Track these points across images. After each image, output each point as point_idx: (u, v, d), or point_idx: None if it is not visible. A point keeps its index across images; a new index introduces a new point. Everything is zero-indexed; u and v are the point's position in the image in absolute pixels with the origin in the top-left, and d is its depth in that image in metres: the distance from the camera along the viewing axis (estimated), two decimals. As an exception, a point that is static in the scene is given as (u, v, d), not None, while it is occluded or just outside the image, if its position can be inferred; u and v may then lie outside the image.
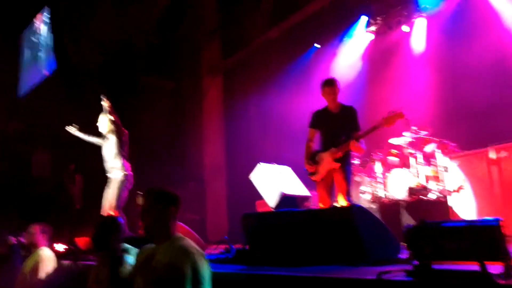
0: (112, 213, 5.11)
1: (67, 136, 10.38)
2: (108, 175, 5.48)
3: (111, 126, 5.38)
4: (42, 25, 11.35)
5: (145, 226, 2.43)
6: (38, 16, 11.43)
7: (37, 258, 4.17)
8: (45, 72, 10.85)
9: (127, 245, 3.35)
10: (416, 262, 2.27)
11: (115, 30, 10.65)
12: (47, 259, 4.17)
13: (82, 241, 5.12)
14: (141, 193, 6.98)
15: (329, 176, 4.49)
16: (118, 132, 5.38)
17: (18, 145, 10.27)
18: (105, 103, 5.30)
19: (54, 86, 10.71)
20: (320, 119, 4.62)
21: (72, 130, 5.86)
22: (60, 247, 5.22)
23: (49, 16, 10.75)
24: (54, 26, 10.56)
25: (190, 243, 2.38)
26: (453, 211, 5.05)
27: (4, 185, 9.55)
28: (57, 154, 10.52)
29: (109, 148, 5.46)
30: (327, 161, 4.44)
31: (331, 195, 4.54)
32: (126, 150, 5.53)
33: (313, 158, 4.58)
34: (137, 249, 3.38)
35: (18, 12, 11.50)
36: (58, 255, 4.63)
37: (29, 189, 9.72)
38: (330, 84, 4.58)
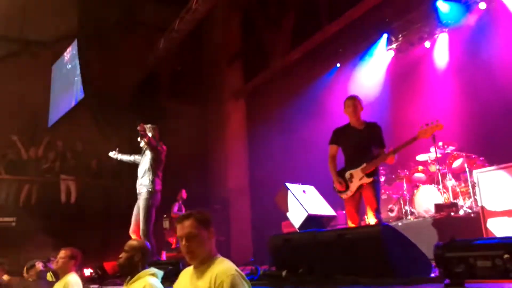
0: (136, 237, 5.15)
1: (95, 165, 10.73)
2: (138, 192, 5.49)
3: (147, 146, 5.50)
4: (70, 57, 11.78)
5: (188, 250, 2.34)
6: (68, 48, 11.87)
7: (64, 284, 4.19)
8: (73, 102, 11.20)
9: (154, 269, 3.36)
10: (447, 281, 2.20)
11: (141, 59, 10.98)
12: (74, 284, 4.16)
13: (109, 266, 5.16)
14: (167, 216, 7.05)
15: (357, 193, 4.42)
16: (154, 150, 5.45)
17: (48, 173, 10.52)
18: (138, 127, 5.41)
19: (82, 115, 11.04)
20: (342, 135, 4.55)
21: (114, 154, 5.94)
22: (88, 271, 5.26)
23: (77, 47, 11.15)
24: (82, 57, 10.93)
25: (230, 264, 2.34)
26: (486, 227, 4.89)
27: (37, 211, 9.78)
28: (83, 181, 10.75)
29: (143, 165, 5.52)
30: (358, 177, 4.35)
31: (359, 213, 4.46)
32: (161, 169, 5.56)
33: (341, 175, 4.50)
34: (162, 272, 3.41)
35: (49, 43, 12.00)
36: (86, 280, 4.67)
37: (59, 215, 9.91)
38: (349, 98, 4.56)
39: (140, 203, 5.38)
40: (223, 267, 2.28)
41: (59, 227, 9.29)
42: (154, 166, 5.45)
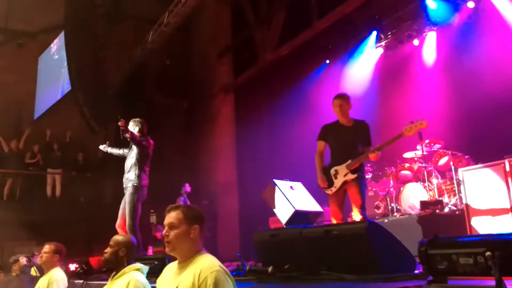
0: (123, 231, 5.10)
1: (81, 158, 10.62)
2: (124, 187, 5.44)
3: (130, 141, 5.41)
4: (57, 48, 11.62)
5: (167, 240, 2.35)
6: (55, 39, 11.70)
7: (49, 279, 4.15)
8: (60, 94, 11.06)
9: (139, 264, 3.34)
10: (430, 278, 2.22)
11: (129, 52, 10.87)
12: (59, 279, 4.11)
13: (95, 261, 5.12)
14: (154, 211, 6.99)
15: (342, 190, 4.44)
16: (138, 145, 5.38)
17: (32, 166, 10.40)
18: (119, 123, 5.30)
19: (69, 108, 10.91)
20: (331, 132, 4.58)
21: (104, 148, 5.83)
22: (73, 266, 5.22)
23: (64, 39, 10.99)
24: (69, 49, 10.78)
25: (214, 260, 2.32)
26: (470, 225, 4.95)
27: (21, 204, 9.67)
28: (69, 175, 10.64)
29: (129, 159, 5.45)
30: (343, 173, 4.39)
31: (343, 210, 4.49)
32: (147, 164, 5.49)
33: (326, 171, 4.54)
34: (148, 267, 3.39)
35: (36, 34, 11.82)
36: (71, 274, 4.63)
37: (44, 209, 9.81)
38: (336, 97, 4.58)
39: (126, 197, 5.33)
40: (207, 263, 2.27)
41: (44, 221, 9.20)
42: (140, 161, 5.38)
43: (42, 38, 11.91)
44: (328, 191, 4.50)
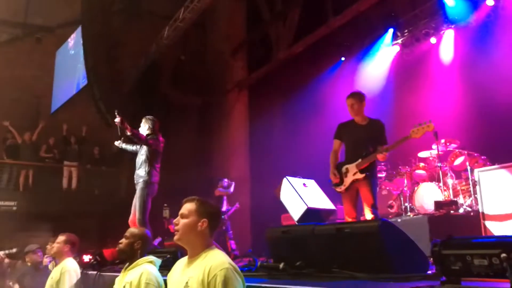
0: (134, 226, 5.13)
1: (96, 152, 10.74)
2: (135, 183, 5.45)
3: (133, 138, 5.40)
4: (74, 43, 11.75)
5: (176, 228, 2.35)
6: (72, 34, 11.83)
7: (61, 269, 4.20)
8: (76, 88, 11.19)
9: (152, 257, 3.38)
10: (444, 279, 2.19)
11: (145, 47, 10.94)
12: (71, 270, 4.17)
13: (108, 252, 5.17)
14: (167, 205, 7.02)
15: (353, 189, 4.44)
16: (142, 142, 5.38)
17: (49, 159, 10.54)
18: (116, 119, 5.19)
19: (85, 102, 11.04)
20: (346, 130, 4.58)
21: (119, 144, 5.72)
22: (87, 258, 5.28)
23: (81, 33, 11.10)
24: (85, 44, 10.89)
25: (224, 257, 2.29)
26: (485, 226, 4.88)
27: (37, 196, 9.81)
28: (85, 168, 10.77)
29: (140, 156, 5.45)
30: (352, 172, 4.40)
31: (357, 208, 4.47)
32: (158, 160, 5.49)
33: (338, 169, 4.55)
34: (160, 260, 3.42)
35: (53, 29, 11.97)
36: (84, 266, 4.69)
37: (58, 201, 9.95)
38: (349, 97, 4.57)
39: (137, 193, 5.37)
40: (217, 260, 2.24)
41: (59, 212, 9.34)
42: (151, 158, 5.39)
43: (59, 32, 12.06)
44: (338, 189, 4.53)
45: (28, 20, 11.64)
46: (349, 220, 4.41)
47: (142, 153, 5.43)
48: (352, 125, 4.54)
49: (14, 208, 9.45)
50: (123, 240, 3.37)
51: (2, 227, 8.19)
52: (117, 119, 5.16)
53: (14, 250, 5.97)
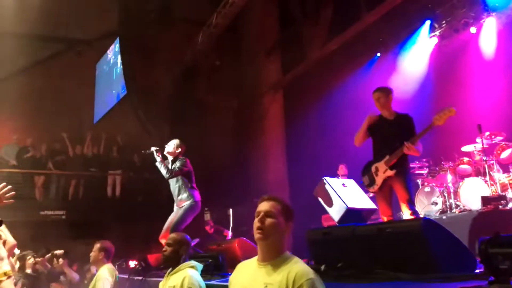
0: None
1: (138, 159, 11.02)
2: (178, 206, 5.46)
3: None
4: (113, 54, 12.13)
5: (260, 226, 2.15)
6: (111, 46, 12.23)
7: (96, 278, 4.31)
8: (116, 98, 11.55)
9: (194, 262, 3.44)
10: (492, 278, 2.11)
11: (180, 54, 11.15)
12: (103, 278, 4.25)
13: (153, 258, 5.30)
14: (208, 209, 7.06)
15: (387, 187, 4.33)
16: (172, 176, 5.42)
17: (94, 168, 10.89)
18: (154, 154, 5.43)
19: (125, 111, 11.37)
20: (374, 125, 4.49)
21: (157, 152, 5.63)
22: (132, 263, 5.43)
23: (119, 45, 11.46)
24: (123, 54, 11.23)
25: (308, 266, 2.13)
26: (537, 222, 4.66)
27: (82, 204, 10.19)
28: (128, 176, 11.05)
29: (175, 182, 5.49)
30: (382, 170, 4.30)
31: (392, 206, 4.37)
32: (193, 179, 5.53)
33: (368, 169, 4.47)
34: (202, 265, 3.47)
35: (93, 42, 12.41)
36: (130, 271, 4.82)
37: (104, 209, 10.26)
38: (374, 92, 4.49)
39: (179, 212, 5.36)
40: (302, 268, 2.09)
41: (105, 219, 9.65)
42: (187, 181, 5.46)
43: (98, 45, 12.48)
44: (371, 189, 4.46)
45: (68, 35, 12.12)
46: (385, 219, 4.32)
47: (178, 179, 5.48)
48: (381, 120, 4.45)
49: (63, 217, 9.85)
50: (167, 248, 3.45)
51: (53, 235, 8.55)
52: (154, 148, 5.40)
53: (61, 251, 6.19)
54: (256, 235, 2.17)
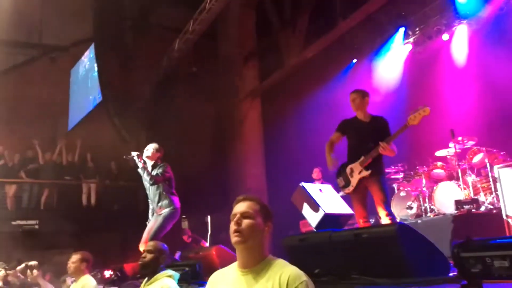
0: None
1: (114, 167, 10.87)
2: (157, 213, 5.27)
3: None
4: (88, 60, 11.97)
5: (237, 229, 1.99)
6: (85, 52, 12.06)
7: (82, 286, 4.26)
8: (92, 105, 11.38)
9: (171, 271, 3.40)
10: (464, 282, 2.14)
11: (156, 61, 11.07)
12: (91, 286, 4.23)
13: (129, 267, 5.21)
14: (186, 217, 6.98)
15: (362, 188, 4.37)
16: (154, 182, 5.24)
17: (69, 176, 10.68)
18: (136, 159, 5.27)
19: (101, 118, 11.21)
20: (350, 127, 4.53)
21: (133, 156, 5.39)
22: (108, 273, 5.32)
23: (94, 51, 11.31)
24: (99, 61, 11.08)
25: (297, 269, 1.99)
26: (508, 224, 4.77)
27: (55, 213, 9.97)
28: (103, 184, 10.88)
29: (156, 188, 5.30)
30: (357, 171, 4.34)
31: (367, 208, 4.41)
32: (173, 185, 5.39)
33: (342, 170, 4.50)
34: (179, 274, 3.43)
35: (67, 48, 12.22)
36: (106, 281, 4.73)
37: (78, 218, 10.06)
38: (351, 93, 4.56)
39: (158, 219, 5.20)
40: (294, 270, 1.97)
41: (80, 229, 9.46)
42: (168, 187, 5.31)
43: (73, 51, 12.29)
44: (346, 191, 4.47)
45: (43, 41, 11.90)
46: (361, 221, 4.36)
47: (159, 185, 5.29)
48: (356, 122, 4.50)
49: (36, 226, 9.61)
50: (147, 255, 3.39)
51: (25, 245, 8.32)
52: (135, 153, 5.24)
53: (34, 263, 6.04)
54: (234, 238, 2.00)
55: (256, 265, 2.00)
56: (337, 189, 4.96)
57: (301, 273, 1.96)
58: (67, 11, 10.97)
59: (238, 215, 2.03)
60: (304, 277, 1.93)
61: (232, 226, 2.02)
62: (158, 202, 5.28)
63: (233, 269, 2.08)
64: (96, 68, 11.20)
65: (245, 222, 2.00)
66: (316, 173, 7.82)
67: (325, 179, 7.42)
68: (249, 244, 2.00)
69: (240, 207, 2.06)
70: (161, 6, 11.78)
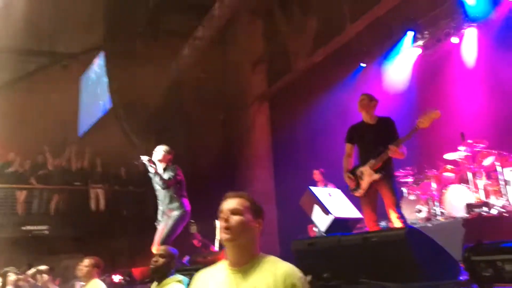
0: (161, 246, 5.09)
1: (123, 173, 10.92)
2: (167, 215, 5.27)
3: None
4: (98, 67, 12.08)
5: (227, 226, 1.93)
6: (95, 59, 12.18)
7: None
8: (101, 112, 11.47)
9: (180, 276, 3.40)
10: (475, 286, 2.12)
11: (166, 68, 11.13)
12: None
13: (138, 272, 5.22)
14: (194, 221, 6.98)
15: (372, 191, 4.34)
16: (166, 186, 5.23)
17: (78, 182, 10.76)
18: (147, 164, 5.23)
19: (111, 125, 11.29)
20: (357, 133, 4.54)
21: (146, 161, 5.32)
22: (116, 278, 5.34)
23: (104, 58, 11.41)
24: (109, 68, 11.17)
25: (291, 265, 1.95)
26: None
27: (67, 219, 10.04)
28: (112, 189, 10.94)
29: (166, 191, 5.28)
30: (368, 174, 4.31)
31: (376, 211, 4.38)
32: (184, 188, 5.40)
33: (353, 173, 4.48)
34: (188, 279, 3.43)
35: (78, 55, 12.35)
36: (115, 286, 4.75)
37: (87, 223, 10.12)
38: (362, 94, 4.55)
39: (169, 223, 5.20)
40: (288, 266, 1.93)
41: (89, 234, 9.51)
42: (179, 190, 5.32)
43: (83, 58, 12.42)
44: (357, 194, 4.45)
45: (54, 48, 12.05)
46: (370, 224, 4.33)
47: (170, 188, 5.31)
48: (362, 126, 4.51)
49: (46, 232, 9.68)
50: (159, 259, 3.39)
51: (36, 250, 8.39)
52: (145, 157, 5.22)
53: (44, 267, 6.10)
54: (223, 236, 1.94)
55: (246, 263, 1.95)
56: (346, 192, 4.95)
57: (296, 269, 1.93)
58: (78, 20, 11.10)
59: (225, 212, 1.97)
60: (299, 273, 1.91)
61: (222, 224, 1.96)
62: (169, 204, 5.28)
63: (222, 268, 2.02)
64: (106, 75, 11.30)
65: (234, 218, 1.94)
66: (316, 175, 7.77)
67: (327, 180, 7.41)
68: (239, 242, 1.94)
69: (229, 203, 2.00)
70: (170, 13, 11.86)
